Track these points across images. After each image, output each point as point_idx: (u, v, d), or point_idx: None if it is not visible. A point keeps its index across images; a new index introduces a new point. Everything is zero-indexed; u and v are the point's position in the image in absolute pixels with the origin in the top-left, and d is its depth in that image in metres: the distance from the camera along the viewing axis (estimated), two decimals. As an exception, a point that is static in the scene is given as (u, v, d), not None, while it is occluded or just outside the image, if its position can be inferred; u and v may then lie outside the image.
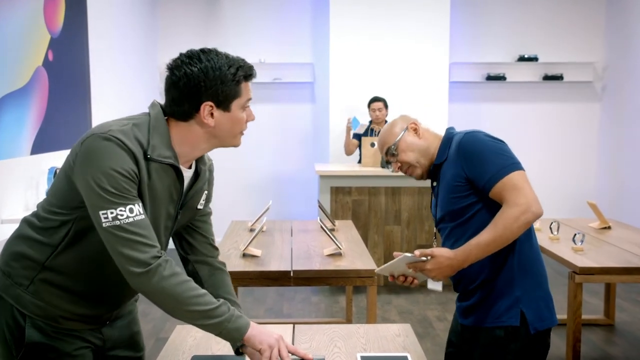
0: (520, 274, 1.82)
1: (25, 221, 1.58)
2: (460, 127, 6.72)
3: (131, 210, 1.38)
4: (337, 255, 2.96)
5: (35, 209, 1.58)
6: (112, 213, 1.36)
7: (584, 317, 4.18)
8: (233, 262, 2.81)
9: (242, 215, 6.04)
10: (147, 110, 1.51)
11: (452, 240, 1.87)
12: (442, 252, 1.77)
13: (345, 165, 5.48)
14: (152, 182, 1.45)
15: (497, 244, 1.73)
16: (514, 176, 1.74)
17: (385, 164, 2.01)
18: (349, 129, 5.47)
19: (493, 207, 1.79)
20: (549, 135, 6.62)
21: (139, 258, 1.38)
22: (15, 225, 2.79)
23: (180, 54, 1.50)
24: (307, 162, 6.50)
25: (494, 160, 1.76)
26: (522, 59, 6.42)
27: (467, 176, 1.80)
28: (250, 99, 1.55)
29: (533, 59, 6.41)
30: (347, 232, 3.54)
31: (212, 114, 1.47)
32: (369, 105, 5.53)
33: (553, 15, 6.48)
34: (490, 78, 6.36)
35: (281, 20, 6.40)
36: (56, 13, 3.86)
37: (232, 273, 2.64)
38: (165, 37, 6.32)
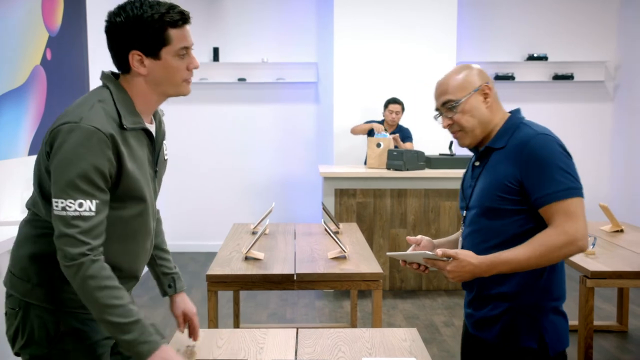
0: (544, 294, 1.73)
1: (27, 222, 1.64)
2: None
3: (80, 205, 1.46)
4: (341, 258, 2.96)
5: (27, 209, 1.64)
6: (62, 203, 1.46)
7: (596, 323, 4.17)
8: (235, 266, 2.81)
9: (244, 218, 6.04)
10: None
11: (479, 238, 1.75)
12: (467, 257, 1.66)
13: (350, 167, 5.48)
14: (133, 150, 1.55)
15: (530, 266, 1.65)
16: (573, 202, 1.63)
17: (436, 116, 1.82)
18: (371, 128, 5.42)
19: (536, 222, 1.68)
20: (560, 136, 6.56)
21: (68, 252, 1.45)
22: (13, 227, 2.80)
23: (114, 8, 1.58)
24: (310, 163, 6.51)
25: (559, 177, 1.64)
26: (531, 58, 6.41)
27: (522, 181, 1.67)
28: (186, 47, 1.57)
29: (543, 58, 6.40)
30: (352, 235, 3.54)
31: (142, 63, 1.54)
32: (386, 106, 5.52)
33: (563, 12, 6.47)
34: (498, 78, 6.35)
35: (284, 18, 6.42)
36: (55, 11, 3.87)
37: (234, 276, 2.69)
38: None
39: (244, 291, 5.00)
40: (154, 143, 1.65)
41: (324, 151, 6.49)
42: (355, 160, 5.84)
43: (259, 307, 4.73)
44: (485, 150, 1.78)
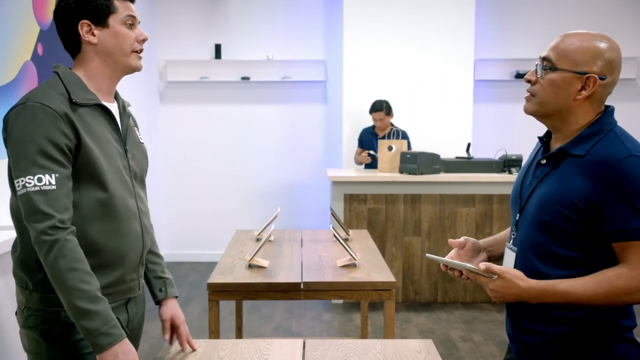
0: (614, 317, 1.57)
1: (15, 225, 1.71)
2: (486, 130, 6.62)
3: (39, 180, 1.55)
4: (351, 266, 2.95)
5: (10, 210, 1.72)
6: (22, 181, 1.56)
7: None
8: (238, 274, 2.81)
9: (247, 225, 6.05)
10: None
11: (529, 251, 1.63)
12: (514, 278, 1.54)
13: (360, 171, 5.47)
14: (89, 127, 1.65)
15: (589, 304, 1.52)
16: None
17: (537, 64, 1.65)
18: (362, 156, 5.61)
19: (600, 253, 1.55)
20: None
21: (37, 228, 1.53)
22: (6, 232, 2.81)
23: None
24: (318, 167, 6.51)
25: None
26: (554, 54, 6.39)
27: (594, 204, 1.51)
28: (132, 16, 1.73)
29: (567, 54, 6.37)
30: (363, 243, 3.53)
31: (92, 32, 1.69)
32: (370, 113, 5.60)
33: (589, 5, 6.45)
34: (520, 76, 6.34)
35: (290, 13, 6.44)
36: (46, 3, 3.90)
37: (237, 285, 2.68)
38: (164, 31, 6.36)
39: (247, 303, 4.99)
40: (115, 122, 1.74)
41: (333, 154, 6.49)
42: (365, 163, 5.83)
43: (263, 320, 4.72)
44: (558, 152, 1.62)
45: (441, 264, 1.71)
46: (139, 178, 1.83)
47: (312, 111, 6.55)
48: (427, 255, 1.73)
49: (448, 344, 4.22)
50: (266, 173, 6.58)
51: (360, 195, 5.07)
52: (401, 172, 5.11)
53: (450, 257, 1.77)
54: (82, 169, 1.62)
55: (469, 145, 5.44)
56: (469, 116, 6.02)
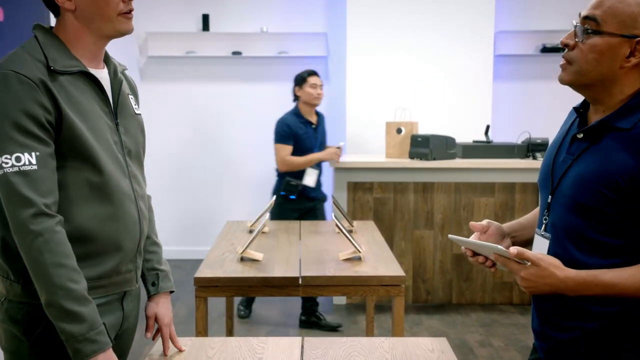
0: None
1: None
2: (507, 111, 6.63)
3: (18, 159, 1.52)
4: (355, 260, 2.96)
5: None
6: None
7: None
8: (228, 267, 2.82)
9: (239, 218, 6.05)
10: None
11: (565, 237, 1.62)
12: (551, 266, 1.52)
13: (366, 156, 5.48)
14: (72, 97, 1.61)
15: (636, 296, 1.51)
16: None
17: (575, 25, 1.61)
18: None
19: (627, 237, 1.54)
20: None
21: (18, 216, 1.52)
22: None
23: None
24: (318, 152, 6.50)
25: None
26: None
27: None
28: None
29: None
30: (368, 234, 3.54)
31: None
32: (303, 81, 4.79)
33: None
34: (546, 50, 6.32)
35: (287, -21, 6.42)
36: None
37: (227, 279, 2.69)
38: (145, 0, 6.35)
39: (241, 298, 5.00)
40: (103, 91, 1.71)
41: (335, 137, 6.47)
42: (371, 148, 5.83)
43: (256, 322, 4.74)
44: (599, 125, 1.58)
45: (463, 247, 1.70)
46: (134, 155, 1.80)
47: (311, 90, 6.53)
48: (450, 236, 1.72)
49: (464, 349, 4.24)
50: (260, 160, 6.57)
51: (365, 183, 5.07)
52: (411, 157, 5.11)
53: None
54: (67, 146, 1.59)
55: (487, 127, 5.43)
56: (488, 95, 6.01)
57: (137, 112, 1.86)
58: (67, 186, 1.60)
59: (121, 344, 1.82)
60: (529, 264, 1.53)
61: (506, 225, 1.83)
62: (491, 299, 5.15)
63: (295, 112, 4.80)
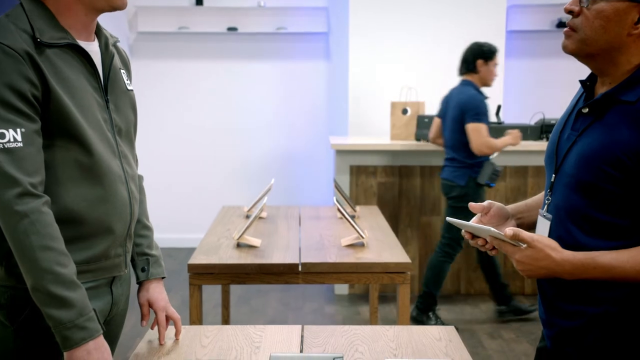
0: None
1: None
2: (520, 90, 6.57)
3: (2, 136, 1.51)
4: (358, 246, 2.97)
5: None
6: None
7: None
8: (224, 254, 2.83)
9: (236, 202, 6.05)
10: None
11: (567, 218, 1.62)
12: (546, 248, 1.52)
13: (370, 138, 5.47)
14: (60, 71, 1.60)
15: (637, 279, 1.52)
16: None
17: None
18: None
19: (632, 218, 1.54)
20: None
21: (2, 196, 1.51)
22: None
23: None
24: (319, 134, 6.52)
25: None
26: None
27: None
28: None
29: None
30: (372, 219, 3.55)
31: None
32: (490, 58, 4.49)
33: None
34: (562, 25, 6.30)
35: (286, -50, 6.39)
36: None
37: (223, 266, 2.70)
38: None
39: (235, 294, 5.02)
40: (93, 66, 1.70)
41: (337, 119, 6.48)
42: (375, 130, 5.82)
43: (254, 313, 4.77)
44: (603, 98, 1.58)
45: (463, 230, 1.70)
46: (125, 134, 1.80)
47: (312, 69, 6.52)
48: (448, 218, 1.73)
49: (473, 341, 4.26)
50: (257, 142, 6.58)
51: (368, 167, 5.07)
52: (417, 139, 5.10)
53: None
54: (54, 124, 1.59)
55: (499, 107, 5.42)
56: (500, 73, 5.98)
57: (129, 88, 1.85)
58: (53, 166, 1.60)
59: (110, 331, 1.83)
60: (525, 245, 1.53)
61: (511, 207, 1.83)
62: (502, 289, 5.15)
63: (477, 88, 4.44)
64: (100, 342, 1.57)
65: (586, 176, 1.56)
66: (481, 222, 1.77)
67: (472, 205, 1.77)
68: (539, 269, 1.54)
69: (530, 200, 1.88)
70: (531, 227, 1.79)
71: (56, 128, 1.60)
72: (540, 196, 1.88)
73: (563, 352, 1.67)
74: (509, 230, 1.52)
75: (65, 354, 1.55)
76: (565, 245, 1.56)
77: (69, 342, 1.53)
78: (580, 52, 1.60)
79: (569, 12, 1.60)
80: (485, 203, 1.79)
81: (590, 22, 1.56)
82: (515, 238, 1.52)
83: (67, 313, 1.52)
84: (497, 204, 1.79)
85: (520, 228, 1.70)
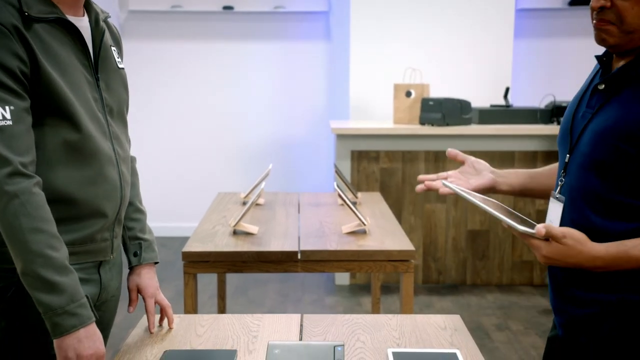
0: None
1: None
2: (530, 71, 6.53)
3: None
4: (360, 233, 2.97)
5: None
6: None
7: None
8: (220, 241, 2.83)
9: (232, 188, 6.06)
10: None
11: (582, 200, 1.61)
12: (578, 243, 1.50)
13: (372, 122, 5.47)
14: (49, 47, 1.60)
15: None
16: None
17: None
18: None
19: None
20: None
21: None
22: None
23: None
24: (319, 118, 6.52)
25: None
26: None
27: None
28: None
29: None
30: (374, 206, 3.55)
31: None
32: None
33: None
34: (575, 2, 6.27)
35: None
36: None
37: (218, 254, 2.71)
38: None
39: (232, 285, 5.04)
40: (83, 43, 1.70)
41: (337, 102, 6.47)
42: (378, 113, 5.82)
43: (251, 305, 4.79)
44: (620, 72, 1.58)
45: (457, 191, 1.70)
46: (117, 114, 1.81)
47: (311, 49, 6.51)
48: (443, 182, 1.78)
49: (479, 333, 4.27)
50: (254, 126, 6.58)
51: (370, 152, 5.07)
52: (422, 123, 5.11)
53: (455, 183, 1.82)
54: (43, 102, 1.59)
55: (507, 90, 5.42)
56: (508, 54, 5.97)
57: (120, 66, 1.85)
58: (44, 146, 1.61)
59: (102, 318, 1.82)
60: (552, 241, 1.50)
61: (501, 172, 1.91)
62: (509, 279, 5.18)
63: None
64: (92, 330, 1.58)
65: (601, 154, 1.56)
66: (460, 174, 1.89)
67: (450, 151, 1.89)
68: (567, 264, 1.53)
69: (528, 170, 1.95)
70: (510, 189, 1.91)
71: (45, 106, 1.60)
72: (546, 169, 1.89)
73: (577, 342, 1.67)
74: (542, 228, 1.48)
75: (54, 341, 1.55)
76: (580, 228, 1.55)
77: (59, 328, 1.54)
78: (626, 45, 1.57)
79: (600, 8, 1.56)
80: (456, 153, 1.92)
81: (631, 11, 1.53)
82: (548, 235, 1.49)
83: (57, 298, 1.53)
84: (471, 159, 1.94)
85: (491, 188, 1.82)
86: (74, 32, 1.68)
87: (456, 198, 5.09)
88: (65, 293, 1.54)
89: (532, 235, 1.50)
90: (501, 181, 1.92)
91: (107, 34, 1.80)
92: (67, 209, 1.65)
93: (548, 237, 1.49)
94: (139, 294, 1.94)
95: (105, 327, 1.88)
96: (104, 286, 1.81)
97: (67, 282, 1.55)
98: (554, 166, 1.89)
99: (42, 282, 1.52)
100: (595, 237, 1.53)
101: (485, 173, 1.90)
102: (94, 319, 1.59)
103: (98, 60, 1.75)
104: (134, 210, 1.96)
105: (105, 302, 1.85)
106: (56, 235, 1.56)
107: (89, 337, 1.56)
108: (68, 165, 1.65)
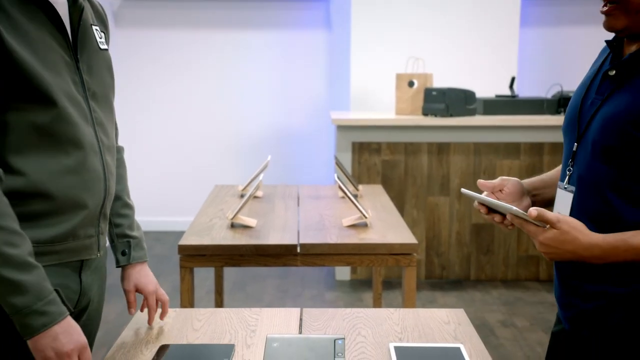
0: None
1: None
2: (536, 61, 6.53)
3: None
4: (361, 226, 2.98)
5: None
6: None
7: None
8: (217, 234, 2.84)
9: (230, 181, 6.06)
10: None
11: (592, 190, 1.61)
12: (573, 230, 1.51)
13: (373, 113, 5.47)
14: (18, 24, 1.51)
15: None
16: None
17: None
18: None
19: None
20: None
21: None
22: None
23: None
24: (319, 109, 6.52)
25: None
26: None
27: None
28: None
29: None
30: (376, 199, 3.56)
31: None
32: None
33: None
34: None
35: None
36: None
37: (215, 247, 2.71)
38: None
39: (229, 281, 5.05)
40: (60, 22, 1.61)
41: (338, 93, 6.48)
42: (379, 104, 5.82)
43: (249, 300, 4.79)
44: (632, 58, 1.57)
45: (476, 202, 1.69)
46: (101, 99, 1.71)
47: (311, 38, 6.51)
48: (463, 190, 1.72)
49: (484, 329, 4.28)
50: (252, 117, 6.57)
51: (372, 143, 5.07)
52: (425, 114, 5.11)
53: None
54: (10, 83, 1.50)
55: (513, 79, 5.42)
56: (513, 43, 5.97)
57: (102, 47, 1.75)
58: (11, 131, 1.53)
59: (83, 329, 1.66)
60: (548, 226, 1.52)
61: (526, 182, 1.82)
62: (514, 275, 5.18)
63: None
64: (67, 325, 1.51)
65: (611, 140, 1.55)
66: (497, 199, 1.75)
67: (480, 182, 1.76)
68: (565, 253, 1.53)
69: (545, 176, 1.88)
70: (546, 204, 1.78)
71: (14, 88, 1.51)
72: (554, 171, 1.87)
73: (583, 335, 1.67)
74: (533, 210, 1.50)
75: (28, 343, 1.49)
76: (602, 216, 1.55)
77: (29, 329, 1.47)
78: (635, 27, 1.56)
79: None
80: (497, 180, 1.78)
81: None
82: (540, 219, 1.51)
83: (22, 299, 1.45)
84: (512, 180, 1.78)
85: (535, 205, 1.70)
86: (48, 9, 1.58)
87: (459, 191, 5.07)
88: (30, 292, 1.46)
89: (526, 219, 1.53)
90: (535, 199, 1.85)
91: (87, 12, 1.70)
92: (41, 202, 1.57)
93: (542, 221, 1.51)
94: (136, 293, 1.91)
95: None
96: (84, 291, 1.72)
97: (31, 279, 1.47)
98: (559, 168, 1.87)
99: (3, 283, 1.45)
100: (617, 224, 1.54)
101: (526, 196, 1.81)
102: (66, 313, 1.52)
103: (77, 40, 1.65)
104: (122, 205, 1.90)
105: (86, 311, 1.78)
106: (16, 231, 1.48)
107: (65, 332, 1.50)
108: (42, 153, 1.56)
